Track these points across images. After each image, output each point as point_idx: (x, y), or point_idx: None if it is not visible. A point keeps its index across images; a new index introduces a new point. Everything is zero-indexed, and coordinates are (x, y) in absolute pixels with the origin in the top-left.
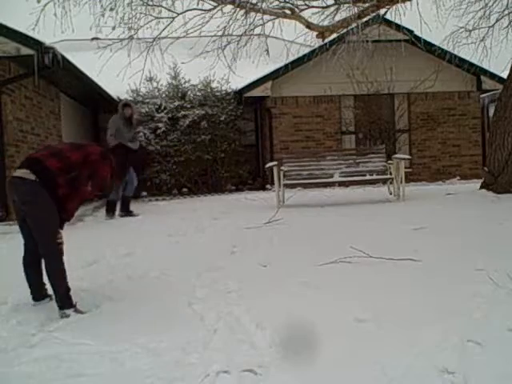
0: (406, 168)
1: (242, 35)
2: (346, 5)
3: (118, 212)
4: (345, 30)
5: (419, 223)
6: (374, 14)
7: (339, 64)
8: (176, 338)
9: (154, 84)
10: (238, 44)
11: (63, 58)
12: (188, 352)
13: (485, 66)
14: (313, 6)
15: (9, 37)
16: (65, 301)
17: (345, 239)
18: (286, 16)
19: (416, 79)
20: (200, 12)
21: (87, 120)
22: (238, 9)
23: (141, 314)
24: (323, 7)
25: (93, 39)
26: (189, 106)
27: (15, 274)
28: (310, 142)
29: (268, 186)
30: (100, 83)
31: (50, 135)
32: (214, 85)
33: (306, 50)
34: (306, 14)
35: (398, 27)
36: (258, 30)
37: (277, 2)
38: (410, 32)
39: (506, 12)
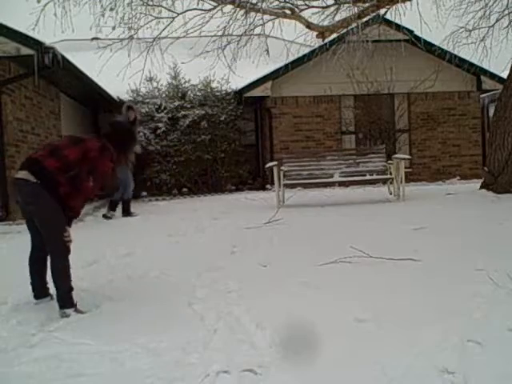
0: (405, 168)
1: (241, 35)
2: (346, 5)
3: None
4: (345, 30)
5: (419, 223)
6: (374, 14)
7: (339, 64)
8: (176, 338)
9: (154, 84)
10: (237, 44)
11: (63, 58)
12: (188, 352)
13: (485, 66)
14: (313, 6)
15: (9, 37)
16: (66, 300)
17: (345, 239)
18: (286, 16)
19: (416, 79)
20: (200, 12)
21: (87, 120)
22: (238, 9)
23: (141, 314)
24: (323, 7)
25: (93, 39)
26: (189, 105)
27: (15, 274)
28: (310, 141)
29: (268, 186)
30: (100, 83)
31: (50, 135)
32: (213, 85)
33: (306, 50)
34: (306, 13)
35: (398, 27)
36: (258, 30)
37: (277, 2)
38: (410, 32)
39: (506, 12)
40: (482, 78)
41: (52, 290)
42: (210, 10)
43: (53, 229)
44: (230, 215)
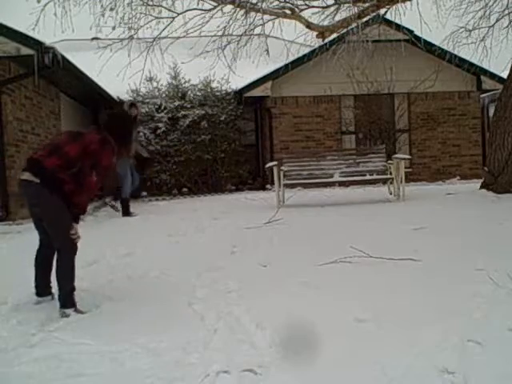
0: (405, 168)
1: (241, 35)
2: (346, 5)
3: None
4: (345, 30)
5: (419, 223)
6: (374, 14)
7: (339, 64)
8: (176, 337)
9: (154, 84)
10: (238, 44)
11: (63, 57)
12: (188, 352)
13: (485, 65)
14: (313, 6)
15: (9, 37)
16: (67, 300)
17: (345, 239)
18: (285, 16)
19: (416, 79)
20: (200, 12)
21: (87, 120)
22: (238, 9)
23: (141, 314)
24: (323, 7)
25: (93, 39)
26: (189, 105)
27: (15, 274)
28: (310, 141)
29: (268, 186)
30: (100, 83)
31: (50, 135)
32: (214, 85)
33: (306, 50)
34: (306, 13)
35: (398, 27)
36: (258, 30)
37: (277, 2)
38: (410, 32)
39: (506, 12)
40: (482, 77)
41: (54, 289)
42: (210, 10)
43: (59, 227)
44: (230, 215)
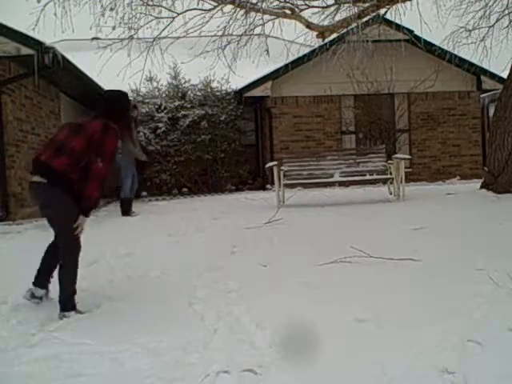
0: (405, 168)
1: (241, 35)
2: (346, 5)
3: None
4: (345, 30)
5: (419, 223)
6: (374, 14)
7: (339, 64)
8: (176, 337)
9: (154, 84)
10: (238, 44)
11: (63, 57)
12: (188, 352)
13: (485, 65)
14: (313, 6)
15: (9, 37)
16: (68, 302)
17: (345, 239)
18: (285, 16)
19: (416, 79)
20: (200, 12)
21: None
22: (238, 9)
23: (141, 314)
24: (323, 7)
25: (93, 39)
26: (189, 105)
27: (15, 274)
28: (310, 141)
29: (268, 186)
30: (100, 83)
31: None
32: (214, 85)
33: (306, 50)
34: (306, 13)
35: (398, 27)
36: (258, 30)
37: (277, 2)
38: (410, 32)
39: (506, 12)
40: (482, 77)
41: (54, 288)
42: (210, 10)
43: (65, 227)
44: (230, 215)
